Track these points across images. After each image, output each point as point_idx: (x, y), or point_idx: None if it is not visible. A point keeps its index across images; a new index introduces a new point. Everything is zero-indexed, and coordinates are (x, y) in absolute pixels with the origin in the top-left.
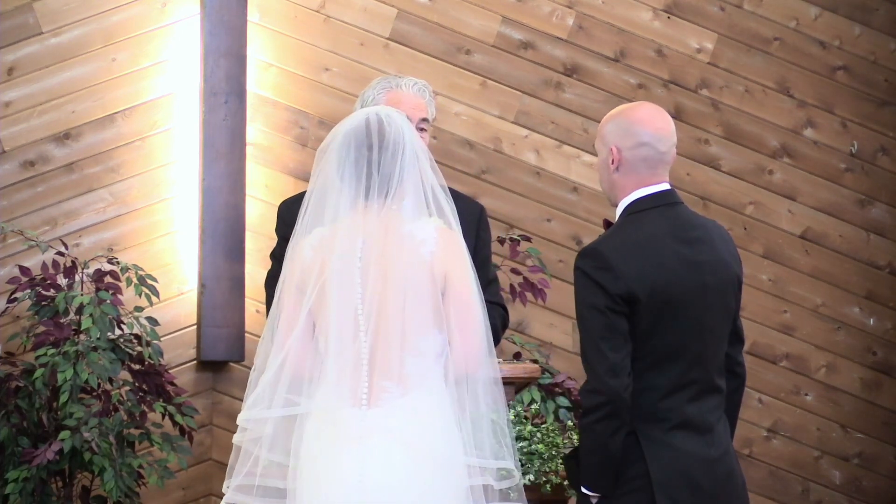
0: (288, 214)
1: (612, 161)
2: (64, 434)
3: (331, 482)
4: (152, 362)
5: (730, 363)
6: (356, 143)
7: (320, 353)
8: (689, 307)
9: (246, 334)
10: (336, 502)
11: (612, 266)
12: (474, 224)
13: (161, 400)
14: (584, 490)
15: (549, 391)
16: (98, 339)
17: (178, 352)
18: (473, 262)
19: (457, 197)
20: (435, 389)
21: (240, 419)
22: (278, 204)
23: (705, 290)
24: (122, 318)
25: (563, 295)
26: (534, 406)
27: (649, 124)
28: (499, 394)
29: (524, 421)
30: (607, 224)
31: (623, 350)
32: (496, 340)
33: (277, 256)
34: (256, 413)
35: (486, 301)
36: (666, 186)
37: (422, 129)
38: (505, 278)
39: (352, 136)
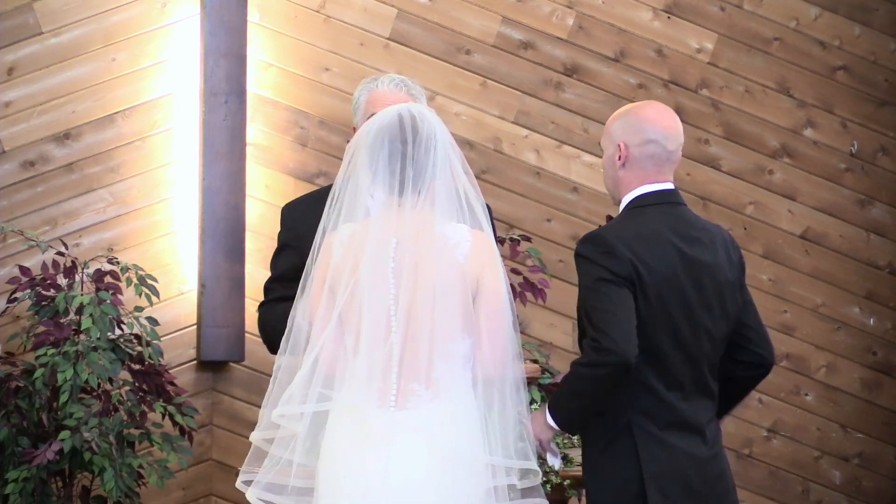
0: (289, 219)
1: (619, 157)
2: (64, 434)
3: (355, 481)
4: (152, 362)
5: (761, 359)
6: (390, 137)
7: (348, 351)
8: (685, 304)
9: (246, 334)
10: (359, 501)
11: (615, 250)
12: None
13: (161, 400)
14: (549, 420)
15: (549, 391)
16: (98, 339)
17: (178, 352)
18: None
19: None
20: (462, 393)
21: (274, 415)
22: (278, 204)
23: (702, 291)
24: (122, 318)
25: (563, 295)
26: (534, 406)
27: (658, 122)
28: (525, 394)
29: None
30: (610, 220)
31: (633, 320)
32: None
33: (277, 264)
34: (292, 408)
35: None
36: (670, 186)
37: None
38: None
39: (385, 132)
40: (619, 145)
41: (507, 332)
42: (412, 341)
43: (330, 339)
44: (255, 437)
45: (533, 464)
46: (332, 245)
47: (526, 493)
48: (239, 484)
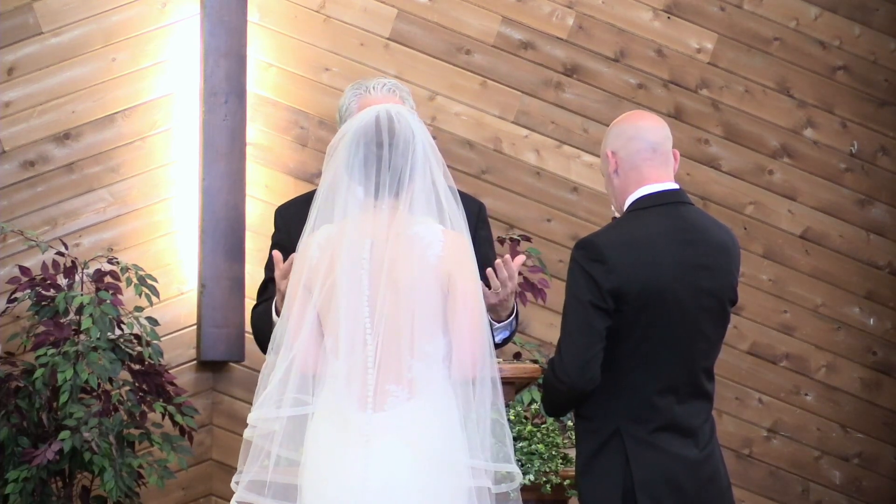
0: (280, 220)
1: (612, 166)
2: (64, 434)
3: (335, 482)
4: (152, 362)
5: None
6: (365, 139)
7: (328, 352)
8: (681, 309)
9: (246, 334)
10: (340, 502)
11: (606, 259)
12: (472, 222)
13: (161, 400)
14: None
15: None
16: (98, 339)
17: (178, 352)
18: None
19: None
20: (440, 392)
21: (250, 418)
22: (278, 204)
23: (700, 294)
24: (122, 318)
25: (562, 295)
26: (534, 406)
27: (636, 120)
28: (499, 394)
29: (524, 421)
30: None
31: (597, 346)
32: (506, 342)
33: (269, 266)
34: (266, 412)
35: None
36: (671, 186)
37: None
38: None
39: (361, 134)
40: (607, 154)
41: (481, 329)
42: (388, 343)
43: (305, 341)
44: (246, 434)
45: (511, 466)
46: (310, 247)
47: (502, 497)
48: (233, 484)
